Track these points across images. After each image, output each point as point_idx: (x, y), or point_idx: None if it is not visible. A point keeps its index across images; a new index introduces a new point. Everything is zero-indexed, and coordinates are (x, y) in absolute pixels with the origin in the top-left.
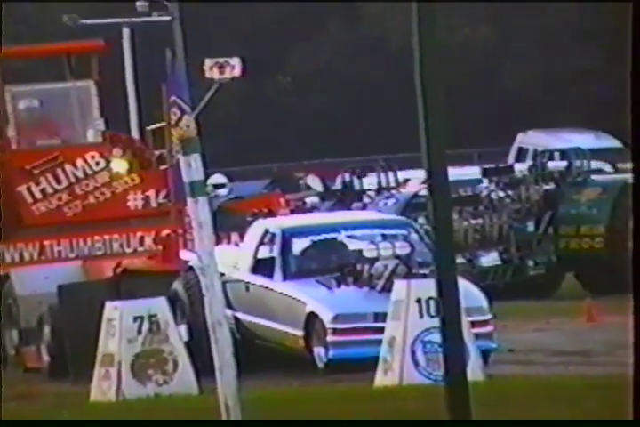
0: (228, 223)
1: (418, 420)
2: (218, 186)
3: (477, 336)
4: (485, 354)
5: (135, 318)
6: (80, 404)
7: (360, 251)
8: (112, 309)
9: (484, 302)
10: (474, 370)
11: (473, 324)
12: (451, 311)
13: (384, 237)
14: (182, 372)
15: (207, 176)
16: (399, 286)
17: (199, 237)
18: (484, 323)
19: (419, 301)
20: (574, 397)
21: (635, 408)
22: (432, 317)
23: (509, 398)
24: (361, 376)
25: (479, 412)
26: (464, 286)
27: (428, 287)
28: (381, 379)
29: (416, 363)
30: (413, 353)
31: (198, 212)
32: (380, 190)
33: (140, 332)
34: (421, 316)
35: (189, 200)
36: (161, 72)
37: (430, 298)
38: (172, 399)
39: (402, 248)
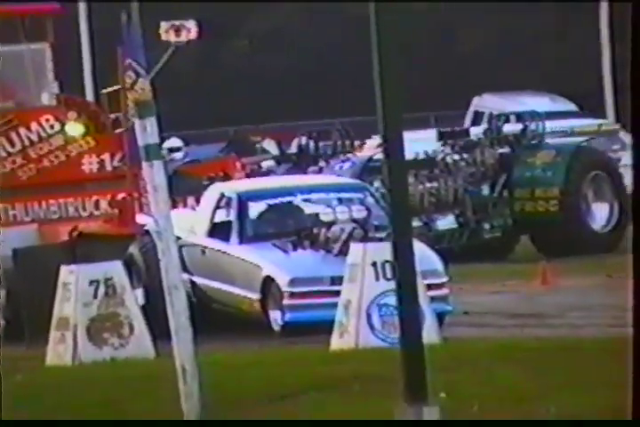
0: (183, 187)
1: (417, 420)
2: (173, 149)
3: (433, 299)
4: (441, 317)
5: (91, 282)
6: (35, 367)
7: (316, 215)
8: (67, 272)
9: (439, 265)
10: (429, 333)
11: (429, 287)
12: (406, 274)
13: (340, 200)
14: (138, 335)
15: (163, 140)
16: (355, 249)
17: (155, 201)
18: (440, 286)
19: (374, 264)
20: (528, 359)
21: (634, 408)
22: (388, 280)
23: (464, 360)
24: (317, 339)
25: (435, 375)
26: (420, 249)
27: (383, 251)
28: (337, 342)
29: (372, 326)
30: (369, 316)
31: (153, 175)
32: (335, 154)
33: (95, 296)
34: (377, 279)
35: (144, 164)
36: (116, 35)
37: (386, 261)
38: (128, 363)
39: (358, 212)
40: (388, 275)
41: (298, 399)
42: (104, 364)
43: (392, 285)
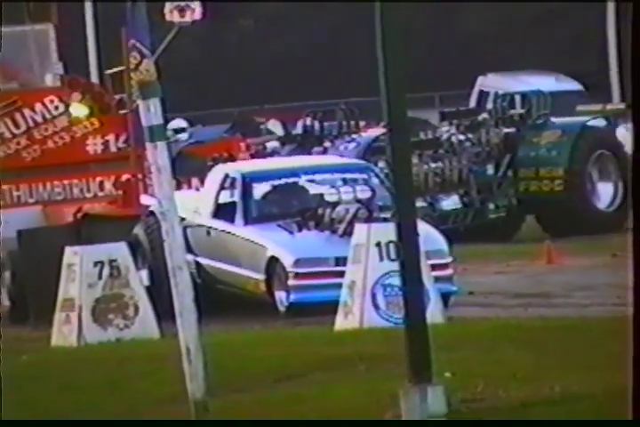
0: (188, 168)
1: (418, 420)
2: (178, 130)
3: (437, 279)
4: (445, 297)
5: (95, 263)
6: (40, 348)
7: (321, 195)
8: (72, 254)
9: (444, 246)
10: (433, 313)
11: (433, 267)
12: (410, 255)
13: (345, 181)
14: (143, 316)
15: (167, 121)
16: (359, 229)
17: (159, 182)
18: (444, 266)
19: (378, 244)
20: (533, 338)
21: (634, 408)
22: (392, 260)
23: (469, 340)
24: (321, 320)
25: (439, 354)
26: (424, 229)
27: (387, 231)
28: (342, 322)
29: (376, 306)
30: (373, 296)
31: (157, 156)
32: (340, 134)
33: (100, 277)
34: (381, 259)
35: (148, 145)
36: (120, 16)
37: (390, 242)
38: (133, 343)
39: (363, 192)
40: (392, 255)
41: (302, 380)
42: (109, 344)
43: (396, 265)
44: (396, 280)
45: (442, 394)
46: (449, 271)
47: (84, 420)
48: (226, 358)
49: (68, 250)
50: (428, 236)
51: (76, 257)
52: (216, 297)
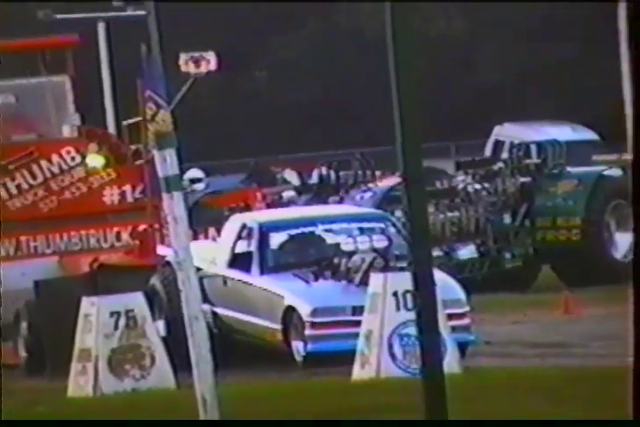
0: (205, 218)
1: (419, 420)
2: (194, 180)
3: (455, 329)
4: (463, 346)
5: (112, 314)
6: (57, 400)
7: (337, 244)
8: (89, 304)
9: (461, 295)
10: (450, 363)
11: (451, 316)
12: (427, 304)
13: (361, 230)
14: (159, 367)
15: (183, 171)
16: (376, 279)
17: (175, 232)
18: (462, 315)
19: (395, 294)
20: (551, 388)
21: (635, 408)
22: (408, 310)
23: (486, 390)
24: (338, 370)
25: (456, 405)
26: (442, 278)
27: (404, 280)
28: (359, 372)
29: (393, 356)
30: (390, 346)
31: (174, 207)
32: (356, 184)
33: (116, 327)
34: (398, 309)
35: (165, 195)
36: (136, 67)
37: (407, 291)
38: (149, 394)
39: (379, 241)
40: (409, 305)
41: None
42: (125, 395)
43: (413, 315)
44: (413, 330)
45: None
46: (466, 321)
47: (83, 420)
48: (242, 408)
49: (85, 300)
50: (446, 285)
51: (92, 307)
52: (232, 347)
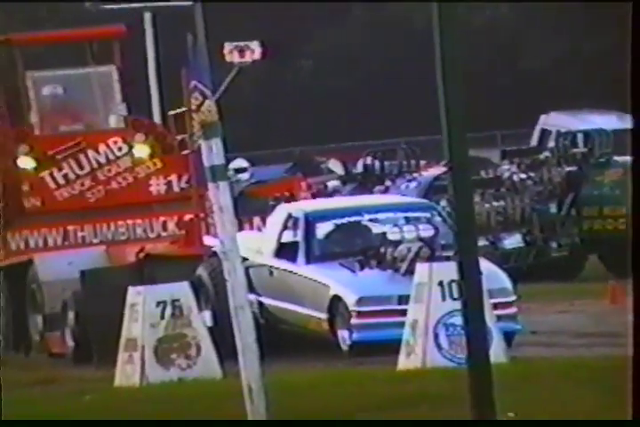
0: (249, 208)
1: (419, 420)
2: (239, 170)
3: (501, 318)
4: (509, 336)
5: (158, 303)
6: (104, 389)
7: (383, 234)
8: (135, 294)
9: (508, 284)
10: (496, 352)
11: (497, 305)
12: (473, 294)
13: (407, 220)
14: (205, 356)
15: (229, 161)
16: (421, 268)
17: (221, 222)
18: (508, 305)
19: (441, 283)
20: (597, 378)
21: (634, 408)
22: (454, 299)
23: (532, 380)
24: (384, 359)
25: (502, 394)
26: (488, 267)
27: (450, 270)
28: (404, 362)
29: (439, 346)
30: (436, 336)
31: (219, 196)
32: (401, 173)
33: (162, 316)
34: (444, 298)
35: (210, 185)
36: (182, 57)
37: (452, 281)
38: (195, 383)
39: (425, 231)
40: (455, 294)
41: (365, 419)
42: (171, 385)
43: (459, 304)
44: (459, 319)
45: None
46: (513, 310)
47: (83, 420)
48: (288, 397)
49: (132, 290)
50: (492, 274)
51: (139, 297)
52: (279, 337)
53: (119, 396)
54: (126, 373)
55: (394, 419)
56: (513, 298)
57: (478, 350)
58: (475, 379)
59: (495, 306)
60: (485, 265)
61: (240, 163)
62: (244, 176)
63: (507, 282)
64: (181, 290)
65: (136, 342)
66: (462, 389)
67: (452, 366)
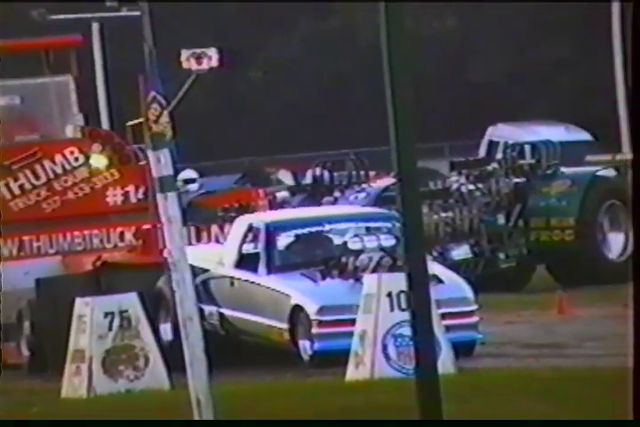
0: (198, 218)
1: (417, 420)
2: (188, 181)
3: (463, 327)
4: (471, 345)
5: (106, 314)
6: (51, 400)
7: (345, 244)
8: (83, 305)
9: (469, 293)
10: (445, 363)
11: (459, 314)
12: (421, 305)
13: (368, 229)
14: (153, 367)
15: (177, 171)
16: (370, 279)
17: (169, 233)
18: (470, 314)
19: (389, 294)
20: (545, 389)
21: (634, 408)
22: (403, 310)
23: (481, 390)
24: (333, 370)
25: (451, 405)
26: (450, 277)
27: (398, 281)
28: (353, 372)
29: (387, 356)
30: (384, 347)
31: (168, 207)
32: (350, 184)
33: (110, 328)
34: (392, 309)
35: (158, 195)
36: (132, 66)
37: (401, 291)
38: (143, 395)
39: (386, 240)
40: (403, 305)
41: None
42: (119, 396)
43: (407, 315)
44: (407, 330)
45: None
46: (475, 319)
47: (83, 420)
48: (236, 409)
49: (79, 301)
50: (454, 283)
51: (86, 308)
52: (239, 349)
53: (66, 407)
54: (74, 384)
55: None
56: (474, 307)
57: (426, 361)
58: (423, 390)
59: (457, 315)
60: (447, 275)
61: (189, 173)
62: (193, 187)
63: (468, 291)
64: (129, 301)
65: (84, 354)
66: (411, 399)
67: (400, 376)
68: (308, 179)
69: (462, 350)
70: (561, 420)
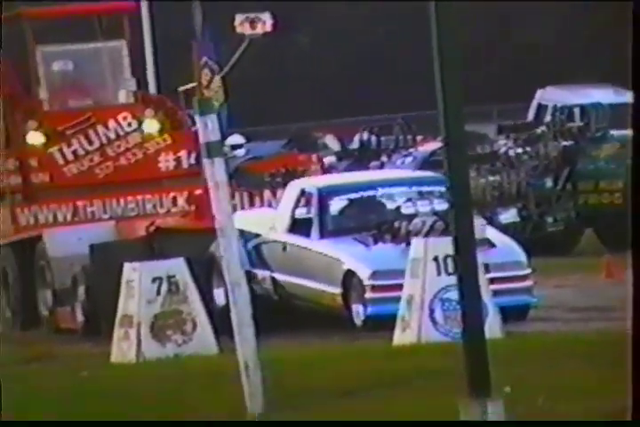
0: (245, 184)
1: (422, 421)
2: (235, 146)
3: (517, 291)
4: (525, 309)
5: (154, 279)
6: (101, 365)
7: (398, 208)
8: (131, 270)
9: (522, 257)
10: (492, 327)
11: (512, 278)
12: (468, 269)
13: (421, 194)
14: (201, 332)
15: (225, 136)
16: (416, 243)
17: (216, 198)
18: (523, 277)
19: (436, 259)
20: (592, 353)
21: (634, 408)
22: (450, 274)
23: (528, 354)
24: (380, 334)
25: (498, 369)
26: (503, 241)
27: (445, 245)
28: (400, 337)
29: (434, 321)
30: (432, 311)
31: (215, 173)
32: (397, 149)
33: (158, 293)
34: (439, 273)
35: (205, 161)
36: (183, 32)
37: (447, 256)
38: (191, 359)
39: (439, 204)
40: (450, 269)
41: (361, 396)
42: (167, 361)
43: (454, 279)
44: (454, 295)
45: (501, 409)
46: (528, 283)
47: (83, 420)
48: (284, 374)
49: (127, 266)
50: (507, 247)
51: (134, 273)
52: (293, 313)
53: (115, 372)
54: (122, 349)
55: (389, 395)
56: (528, 271)
57: (473, 325)
58: (470, 354)
59: (510, 279)
60: (500, 238)
61: (236, 139)
62: (240, 152)
63: (521, 255)
64: (177, 266)
65: (132, 319)
66: (458, 363)
67: (447, 340)
68: (354, 144)
69: (516, 314)
70: (561, 420)
